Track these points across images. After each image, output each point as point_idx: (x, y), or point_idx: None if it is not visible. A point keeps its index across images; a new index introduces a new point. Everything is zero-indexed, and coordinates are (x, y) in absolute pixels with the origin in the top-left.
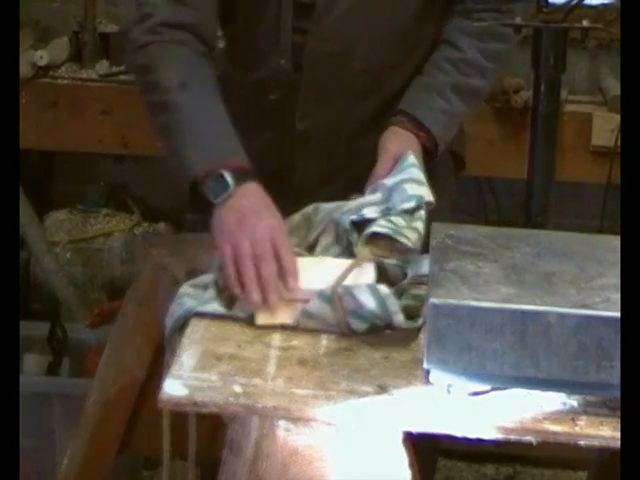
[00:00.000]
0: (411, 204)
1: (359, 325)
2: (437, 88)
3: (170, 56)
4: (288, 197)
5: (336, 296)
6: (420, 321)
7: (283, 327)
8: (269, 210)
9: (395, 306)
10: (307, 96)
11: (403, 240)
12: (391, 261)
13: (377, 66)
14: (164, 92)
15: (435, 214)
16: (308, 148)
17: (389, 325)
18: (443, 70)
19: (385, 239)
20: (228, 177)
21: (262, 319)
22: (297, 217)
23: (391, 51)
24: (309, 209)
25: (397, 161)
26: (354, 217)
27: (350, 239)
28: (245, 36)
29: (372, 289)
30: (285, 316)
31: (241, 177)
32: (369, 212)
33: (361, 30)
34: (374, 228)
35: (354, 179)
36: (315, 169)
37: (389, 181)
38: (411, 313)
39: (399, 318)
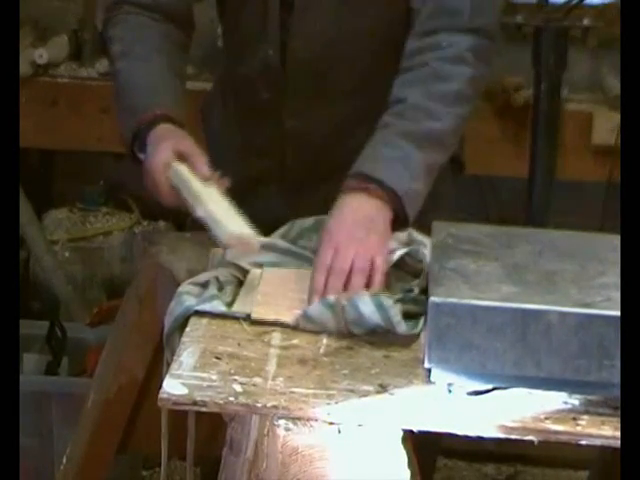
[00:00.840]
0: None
1: (359, 331)
2: (381, 140)
3: (120, 27)
4: (283, 195)
5: (339, 306)
6: (420, 326)
7: (283, 326)
8: (154, 154)
9: (398, 316)
10: (294, 94)
11: (419, 254)
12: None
13: (362, 69)
14: (112, 62)
15: (435, 218)
16: (299, 146)
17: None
18: (385, 125)
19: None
20: (144, 130)
21: (257, 313)
22: (311, 220)
23: (375, 55)
24: (325, 217)
25: (338, 250)
26: None
27: None
28: (235, 26)
29: (375, 301)
30: (281, 313)
31: (151, 127)
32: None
33: (342, 33)
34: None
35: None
36: (307, 167)
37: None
38: (411, 317)
39: (402, 328)
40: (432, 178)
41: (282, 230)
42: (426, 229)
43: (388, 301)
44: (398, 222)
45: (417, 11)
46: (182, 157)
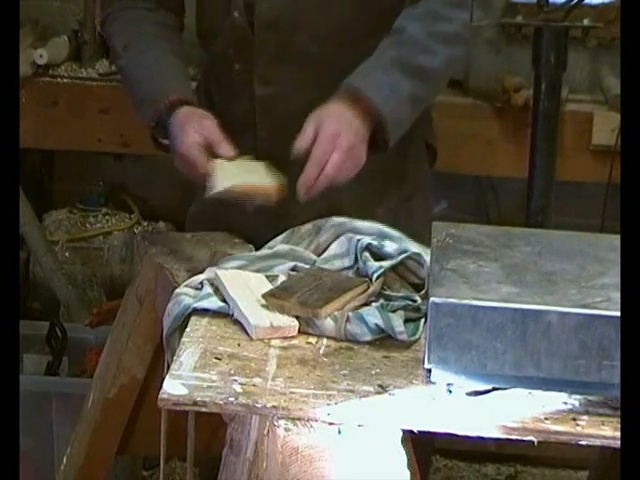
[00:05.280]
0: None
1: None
2: (376, 64)
3: (118, 23)
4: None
5: (343, 320)
6: (420, 331)
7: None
8: (185, 132)
9: (401, 327)
10: (261, 58)
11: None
12: (398, 293)
13: (327, 33)
14: (116, 57)
15: (417, 206)
16: (269, 114)
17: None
18: (382, 50)
19: (397, 272)
20: (164, 117)
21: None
22: (309, 225)
23: (342, 20)
24: (322, 220)
25: (317, 129)
26: (374, 242)
27: (359, 256)
28: (203, 3)
29: (380, 311)
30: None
31: (171, 111)
32: (388, 247)
33: None
34: (392, 262)
35: None
36: (279, 140)
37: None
38: (412, 321)
39: (403, 336)
40: (416, 113)
41: (281, 238)
42: (409, 215)
43: (392, 314)
44: (376, 146)
45: None
46: (206, 141)
